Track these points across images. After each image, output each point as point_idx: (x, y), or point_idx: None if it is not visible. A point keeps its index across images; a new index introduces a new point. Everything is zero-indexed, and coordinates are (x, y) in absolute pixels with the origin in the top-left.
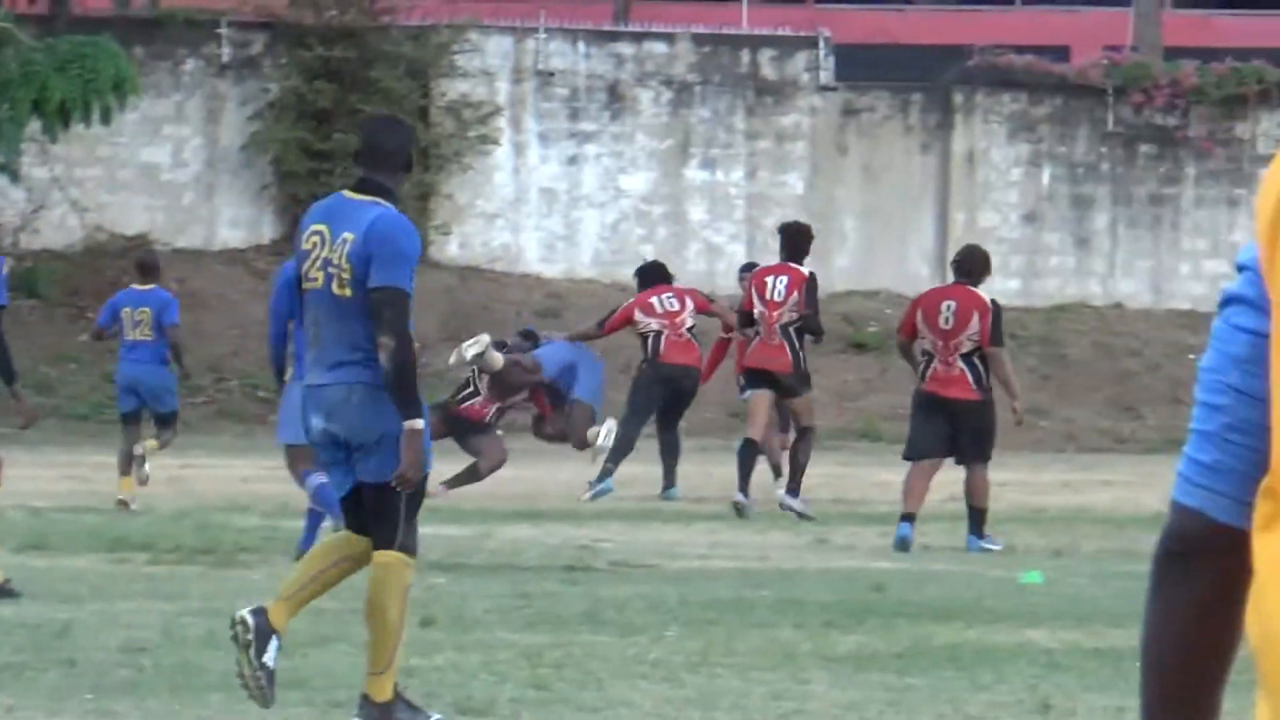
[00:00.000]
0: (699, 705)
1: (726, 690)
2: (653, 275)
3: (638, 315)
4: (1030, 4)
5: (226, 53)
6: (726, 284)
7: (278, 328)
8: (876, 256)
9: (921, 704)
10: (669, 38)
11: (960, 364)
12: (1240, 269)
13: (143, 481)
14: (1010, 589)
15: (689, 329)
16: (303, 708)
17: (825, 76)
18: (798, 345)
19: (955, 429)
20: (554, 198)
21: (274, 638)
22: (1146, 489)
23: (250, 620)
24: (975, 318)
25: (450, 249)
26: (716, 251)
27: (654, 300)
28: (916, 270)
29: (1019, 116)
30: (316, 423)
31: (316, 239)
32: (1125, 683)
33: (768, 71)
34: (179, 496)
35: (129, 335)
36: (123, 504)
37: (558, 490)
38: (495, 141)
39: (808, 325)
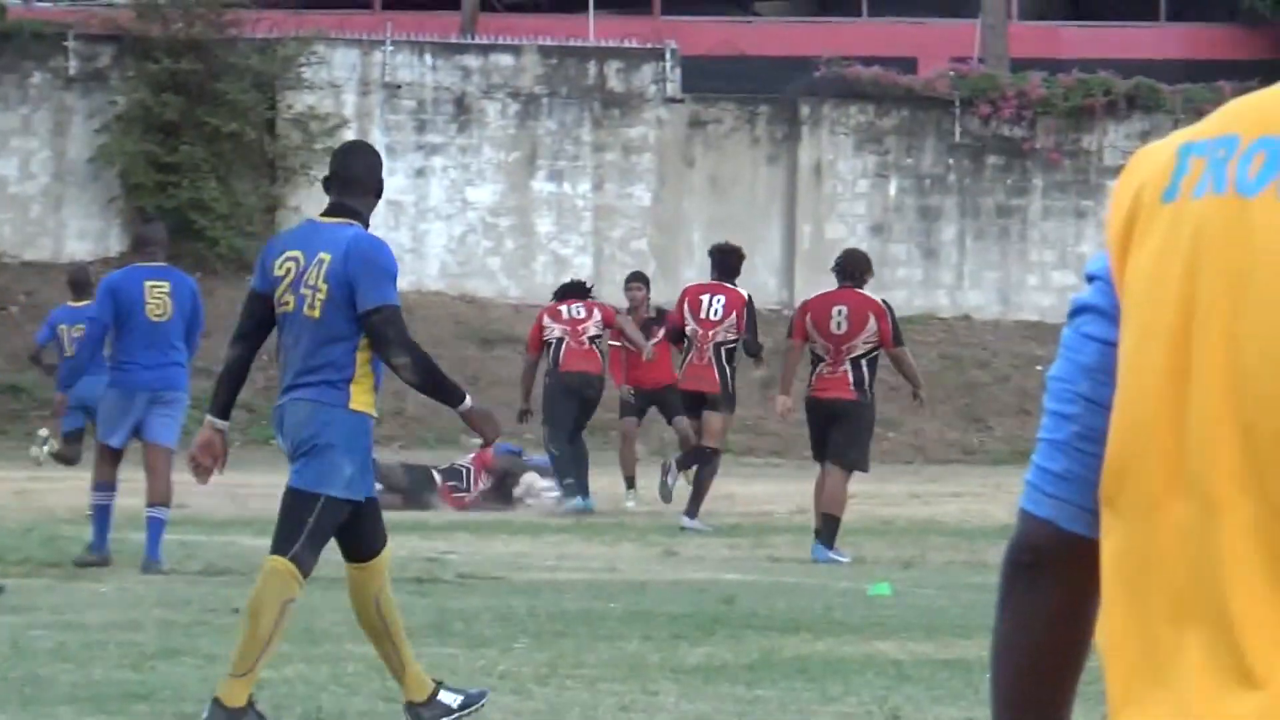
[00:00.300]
0: (548, 717)
1: (575, 702)
2: (569, 290)
3: (545, 321)
4: (877, 16)
5: (73, 65)
6: None
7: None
8: None
9: (770, 715)
10: (516, 50)
11: (845, 366)
12: (1090, 279)
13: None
14: (859, 600)
15: (592, 338)
16: None
17: (672, 88)
18: (726, 365)
19: (829, 429)
20: (401, 210)
21: (247, 708)
22: (994, 500)
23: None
24: (872, 320)
25: None
26: (564, 263)
27: (562, 308)
28: (764, 281)
29: (866, 128)
30: (280, 440)
31: (291, 264)
32: (975, 693)
33: (614, 84)
34: (26, 509)
35: (69, 353)
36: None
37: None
38: None
39: (748, 347)
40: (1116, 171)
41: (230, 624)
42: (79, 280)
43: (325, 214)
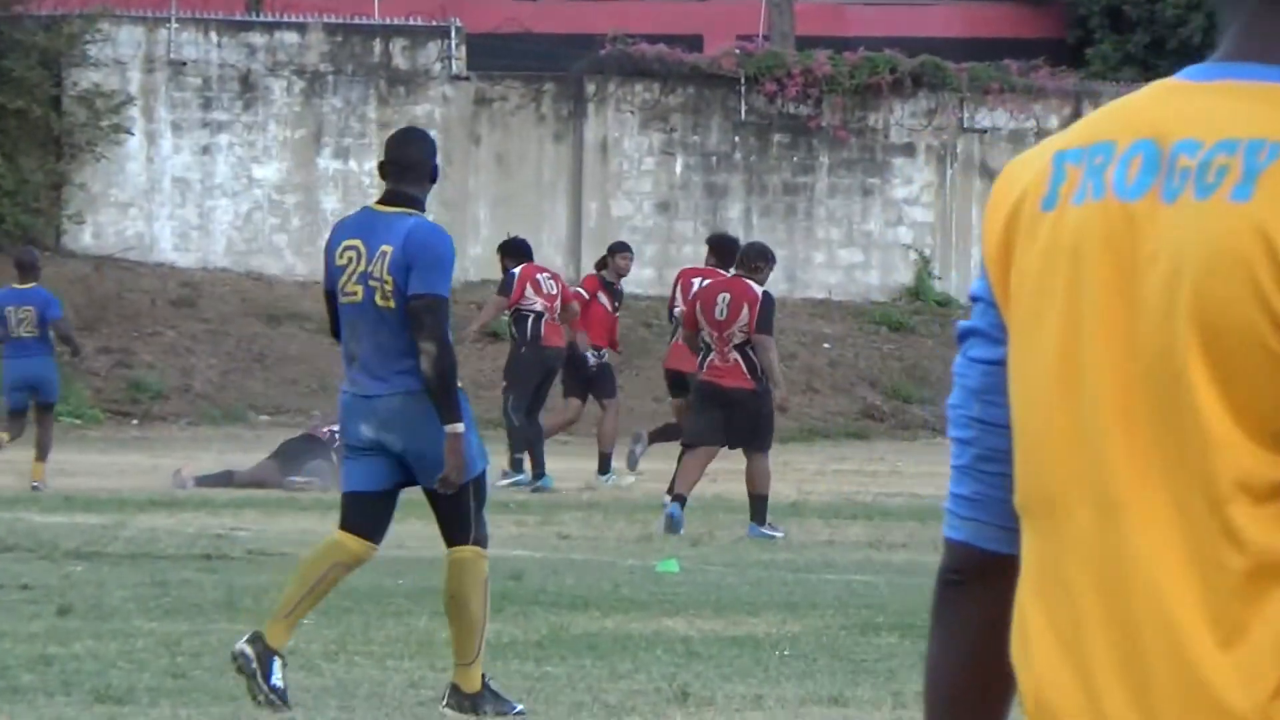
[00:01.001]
0: (337, 694)
1: (364, 679)
2: (523, 251)
3: (527, 292)
4: None
5: None
6: None
7: None
8: None
9: (560, 692)
10: (301, 27)
11: (735, 354)
12: (974, 300)
13: None
14: (647, 577)
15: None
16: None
17: (457, 66)
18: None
19: (730, 418)
20: (187, 187)
21: (275, 659)
22: (782, 479)
23: (249, 650)
24: (745, 308)
25: (84, 238)
26: None
27: (540, 279)
28: (550, 259)
29: (651, 106)
30: (366, 431)
31: (352, 254)
32: (764, 671)
33: (400, 61)
34: None
35: (15, 333)
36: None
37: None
38: (128, 131)
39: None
40: (903, 149)
41: (18, 600)
42: (26, 262)
43: (382, 202)
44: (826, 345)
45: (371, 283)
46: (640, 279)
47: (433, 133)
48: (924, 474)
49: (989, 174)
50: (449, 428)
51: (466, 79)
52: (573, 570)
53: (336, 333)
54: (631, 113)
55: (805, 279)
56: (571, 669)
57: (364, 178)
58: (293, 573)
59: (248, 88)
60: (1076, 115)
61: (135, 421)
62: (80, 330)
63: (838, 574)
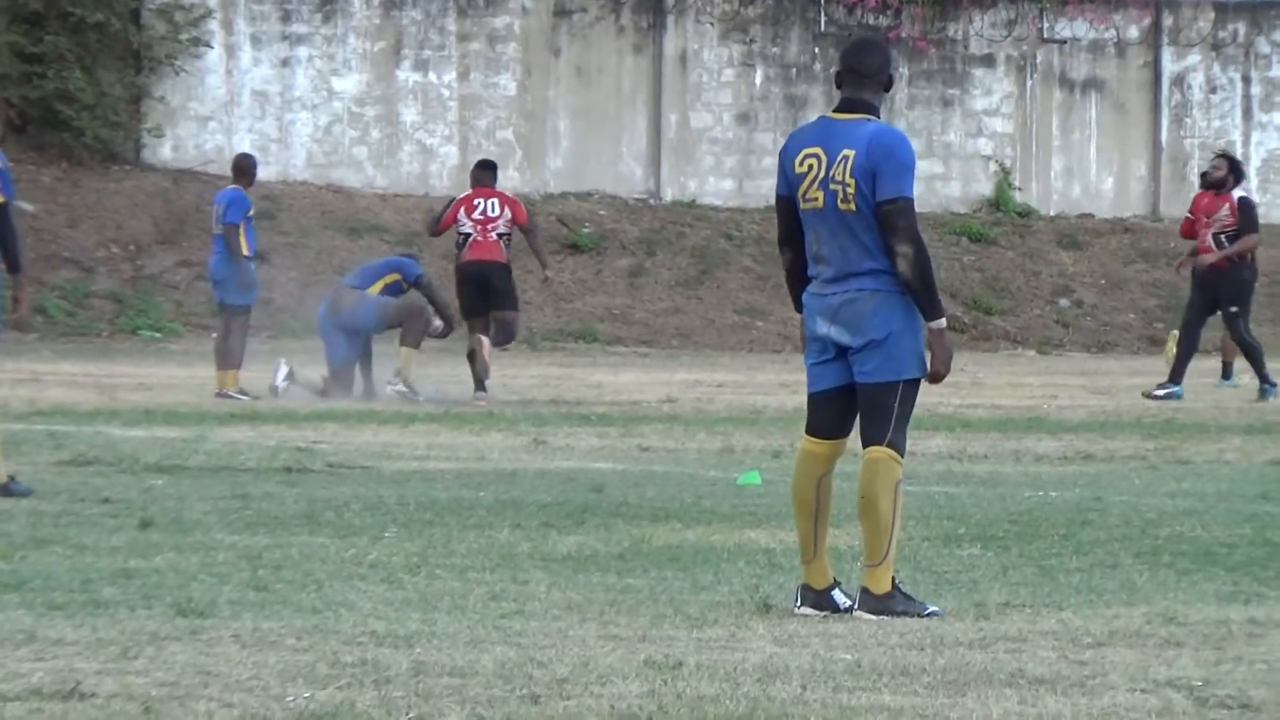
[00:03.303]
0: (418, 606)
1: (446, 591)
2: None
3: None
4: None
5: None
6: (440, 185)
7: None
8: (590, 158)
9: (641, 604)
10: None
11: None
12: None
13: None
14: (729, 489)
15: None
16: (21, 610)
17: None
18: None
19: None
20: (266, 100)
21: (835, 591)
22: None
23: (811, 609)
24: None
25: (163, 152)
26: (429, 153)
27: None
28: (630, 171)
29: (731, 17)
30: (821, 328)
31: (813, 161)
32: (845, 583)
33: None
34: None
35: (213, 229)
36: None
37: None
38: (207, 44)
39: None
40: (983, 60)
41: (99, 513)
42: (235, 164)
43: (838, 110)
44: None
45: (833, 186)
46: (720, 191)
47: (512, 45)
48: (1005, 385)
49: (1069, 85)
50: (933, 324)
51: None
52: (654, 482)
53: (782, 241)
54: (711, 24)
55: None
56: (653, 581)
57: (443, 90)
58: (793, 509)
59: (327, 0)
60: (1156, 26)
61: (215, 335)
62: (160, 244)
63: (919, 485)
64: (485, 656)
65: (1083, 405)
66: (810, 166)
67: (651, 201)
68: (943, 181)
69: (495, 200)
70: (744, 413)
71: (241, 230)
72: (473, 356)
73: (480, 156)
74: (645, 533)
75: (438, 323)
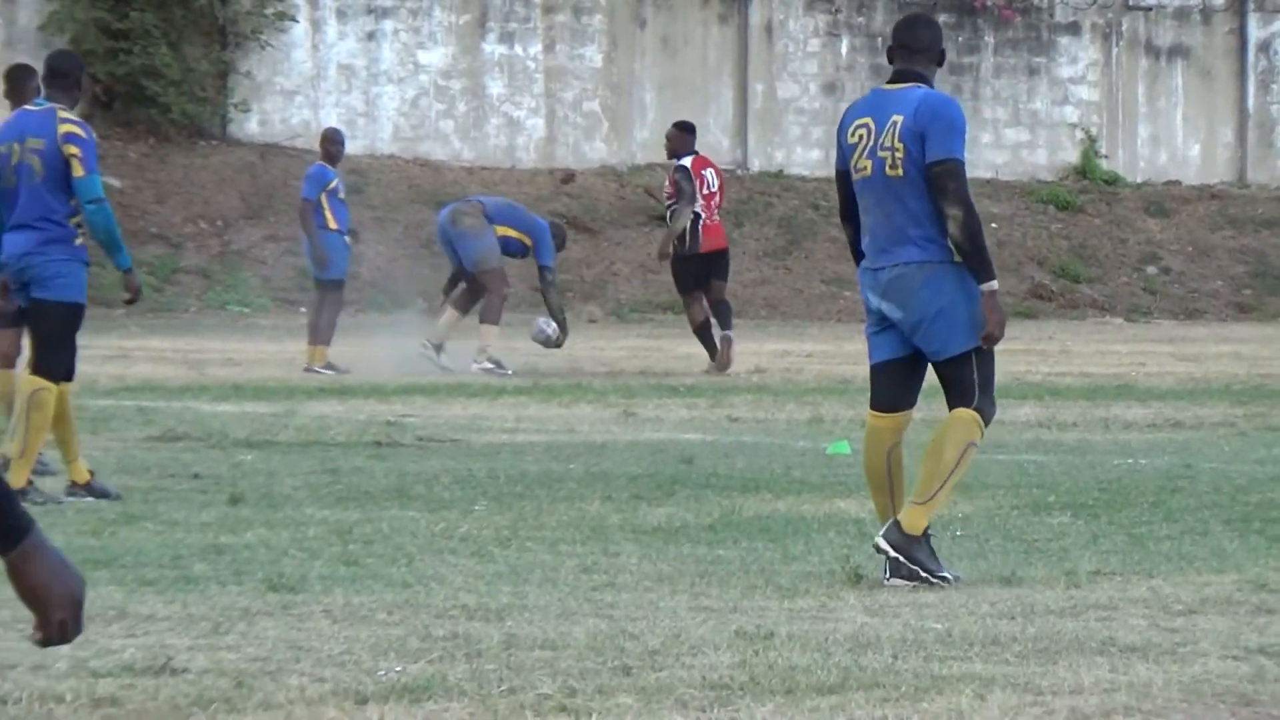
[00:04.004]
0: (509, 579)
1: (536, 564)
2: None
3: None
4: None
5: None
6: (527, 157)
7: None
8: None
9: (732, 575)
10: None
11: None
12: None
13: None
14: (819, 460)
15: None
16: (112, 586)
17: None
18: None
19: None
20: (352, 74)
21: (921, 540)
22: None
23: (885, 545)
24: None
25: (250, 126)
26: (516, 126)
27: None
28: (717, 141)
29: None
30: (873, 302)
31: (863, 131)
32: (936, 551)
33: None
34: None
35: None
36: None
37: (362, 365)
38: (292, 18)
39: None
40: (1068, 28)
41: (189, 489)
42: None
43: (891, 82)
44: (994, 225)
45: (881, 153)
46: (807, 161)
47: (597, 17)
48: (1094, 353)
49: (1154, 52)
50: (985, 286)
51: None
52: (743, 453)
53: (843, 215)
54: None
55: (972, 159)
56: (744, 552)
57: (529, 62)
58: (868, 484)
59: None
60: None
61: (303, 310)
62: (247, 219)
63: (1009, 454)
64: (577, 629)
65: (1171, 372)
66: (860, 136)
67: (739, 172)
68: (1029, 150)
69: (712, 171)
70: (832, 382)
71: (328, 205)
72: (704, 329)
73: (568, 128)
74: (735, 504)
75: (549, 330)
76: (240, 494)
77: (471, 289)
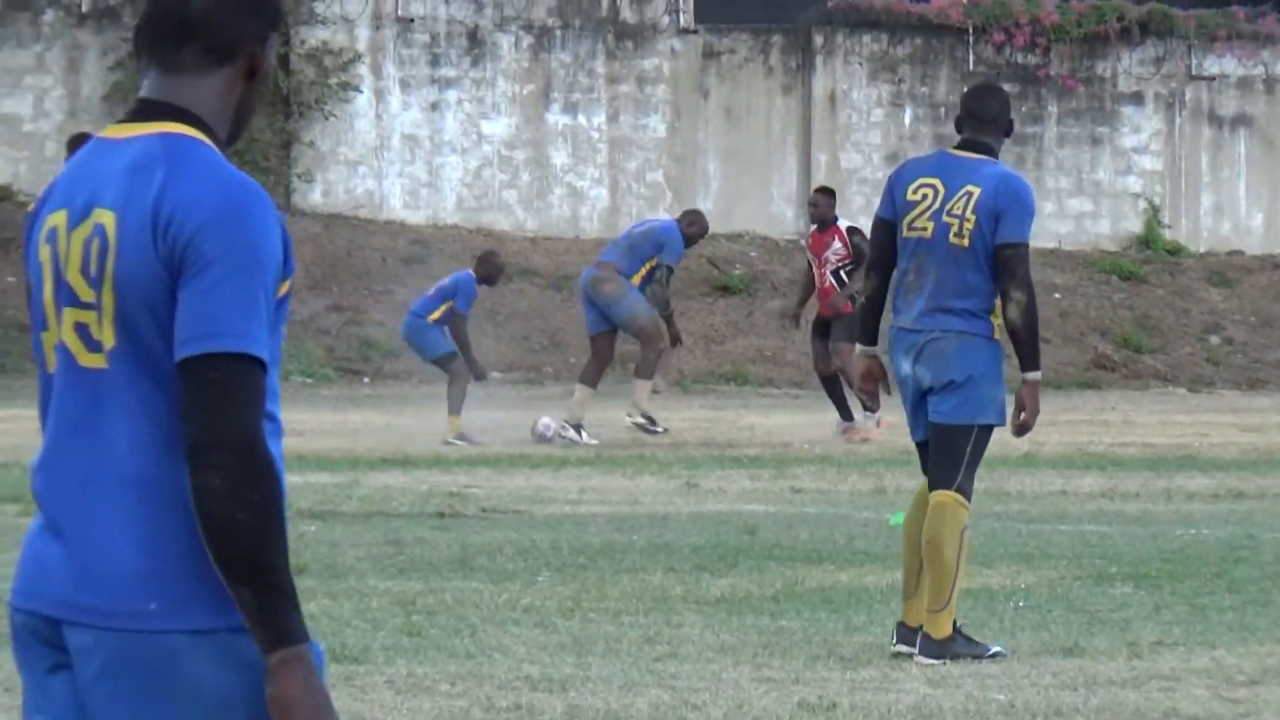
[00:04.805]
0: (572, 650)
1: (600, 635)
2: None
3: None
4: None
5: (86, 2)
6: (590, 227)
7: None
8: (740, 199)
9: (795, 646)
10: None
11: None
12: None
13: None
14: (881, 530)
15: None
16: None
17: (685, 19)
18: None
19: None
20: (416, 144)
21: (954, 636)
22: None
23: (904, 648)
24: None
25: (314, 197)
26: (579, 196)
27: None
28: (781, 212)
29: (880, 57)
30: (904, 366)
31: (928, 190)
32: (999, 622)
33: (628, 15)
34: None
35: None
36: None
37: (425, 437)
38: (356, 88)
39: None
40: (1131, 97)
41: None
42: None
43: (958, 148)
44: (1057, 295)
45: (948, 218)
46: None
47: (661, 87)
48: (1156, 423)
49: (1218, 122)
50: (1030, 375)
51: (694, 32)
52: (806, 524)
53: (872, 264)
54: (860, 64)
55: (1036, 229)
56: (806, 623)
57: (593, 133)
58: (904, 549)
59: (476, 43)
60: None
61: (366, 380)
62: (311, 289)
63: (1071, 524)
64: (640, 700)
65: (1234, 443)
66: (925, 196)
67: (802, 242)
68: (1092, 219)
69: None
70: (896, 453)
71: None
72: (833, 382)
73: (632, 198)
74: (798, 574)
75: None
76: (304, 564)
77: (597, 359)
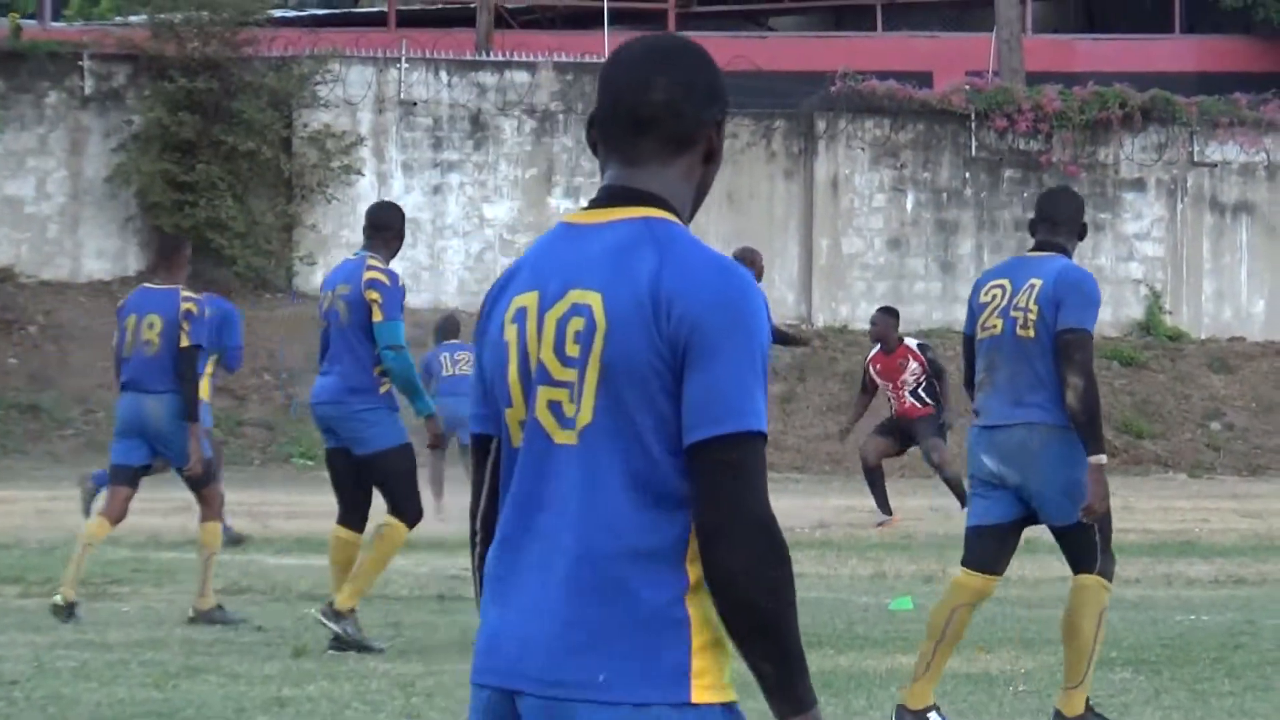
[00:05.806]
0: None
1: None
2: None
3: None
4: (892, 30)
5: (89, 85)
6: None
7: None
8: None
9: None
10: (531, 67)
11: None
12: None
13: None
14: (881, 615)
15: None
16: None
17: None
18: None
19: None
20: (418, 227)
21: (930, 712)
22: None
23: None
24: None
25: (315, 279)
26: None
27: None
28: (782, 296)
29: (882, 142)
30: (990, 464)
31: (998, 291)
32: (999, 707)
33: None
34: (48, 529)
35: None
36: None
37: (427, 520)
38: (359, 171)
39: None
40: (1133, 184)
41: (253, 642)
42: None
43: (1033, 250)
44: None
45: (1014, 313)
46: (871, 316)
47: None
48: (1156, 509)
49: (1220, 208)
50: (1093, 459)
51: None
52: (806, 608)
53: (968, 381)
54: (862, 149)
55: None
56: None
57: None
58: (927, 631)
59: (478, 127)
60: None
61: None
62: (312, 372)
63: None
64: None
65: (1234, 528)
66: (994, 296)
67: (804, 327)
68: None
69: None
70: (896, 538)
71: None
72: (877, 475)
73: None
74: None
75: None
76: (304, 647)
77: None
